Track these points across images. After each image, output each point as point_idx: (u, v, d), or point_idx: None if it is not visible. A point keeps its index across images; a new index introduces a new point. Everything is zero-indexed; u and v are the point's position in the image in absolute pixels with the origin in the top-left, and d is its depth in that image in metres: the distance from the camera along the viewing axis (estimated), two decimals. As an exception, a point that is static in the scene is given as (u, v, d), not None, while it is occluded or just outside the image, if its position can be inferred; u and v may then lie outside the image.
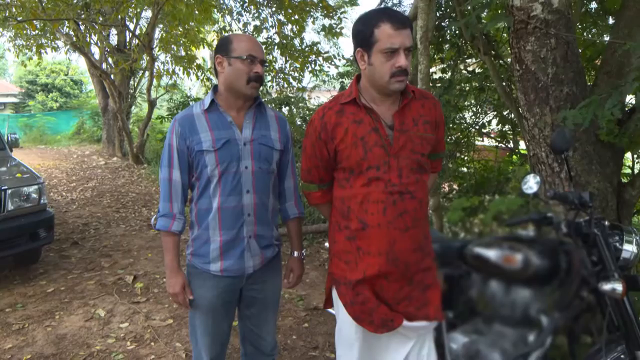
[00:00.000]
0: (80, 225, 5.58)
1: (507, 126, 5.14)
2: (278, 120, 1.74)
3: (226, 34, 1.67)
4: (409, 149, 1.50)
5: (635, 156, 3.19)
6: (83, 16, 8.43)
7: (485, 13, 3.12)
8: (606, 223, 1.65)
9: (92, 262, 4.26)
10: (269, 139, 1.67)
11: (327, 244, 2.55)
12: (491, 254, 1.86)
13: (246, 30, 8.83)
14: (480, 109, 4.70)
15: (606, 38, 3.91)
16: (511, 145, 5.47)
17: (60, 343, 2.80)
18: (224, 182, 1.60)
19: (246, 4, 8.50)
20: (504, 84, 3.45)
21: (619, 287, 1.47)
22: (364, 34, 1.45)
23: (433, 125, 1.57)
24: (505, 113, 4.57)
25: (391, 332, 1.54)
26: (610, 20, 4.07)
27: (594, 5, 4.06)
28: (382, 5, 4.57)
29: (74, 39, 9.01)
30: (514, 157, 5.47)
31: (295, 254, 1.85)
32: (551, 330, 1.64)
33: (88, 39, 9.20)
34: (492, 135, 4.93)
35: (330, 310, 2.71)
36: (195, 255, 1.68)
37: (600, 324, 1.73)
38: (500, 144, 5.53)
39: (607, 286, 1.50)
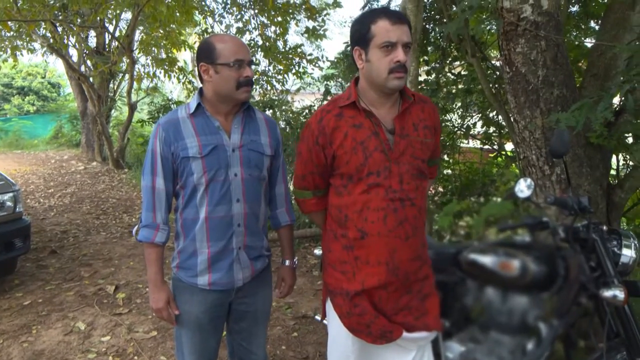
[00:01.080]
0: (59, 233, 5.39)
1: (492, 128, 5.16)
2: (268, 124, 1.66)
3: (206, 38, 1.56)
4: (410, 154, 1.45)
5: (621, 158, 3.21)
6: (60, 17, 8.21)
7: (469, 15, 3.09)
8: (604, 228, 1.63)
9: (71, 272, 4.11)
10: (259, 145, 1.60)
11: (316, 251, 2.49)
12: (487, 260, 1.82)
13: (229, 32, 8.72)
14: (465, 112, 4.70)
15: (590, 40, 3.95)
16: (496, 147, 5.49)
17: None
18: (211, 190, 1.52)
19: (228, 6, 8.41)
20: (490, 85, 3.44)
21: (620, 294, 1.44)
22: (360, 31, 1.40)
23: (432, 130, 1.53)
24: (492, 115, 4.56)
25: (389, 343, 1.49)
26: (592, 24, 4.12)
27: (575, 8, 4.10)
28: (368, 7, 4.54)
29: (51, 40, 8.77)
30: (499, 159, 5.49)
31: (287, 262, 1.78)
32: (552, 339, 1.60)
33: (66, 41, 8.96)
34: (478, 137, 4.94)
35: (318, 318, 2.64)
36: (181, 268, 1.59)
37: (597, 328, 1.71)
38: (485, 146, 5.55)
39: (608, 293, 1.47)
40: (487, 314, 1.84)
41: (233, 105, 1.56)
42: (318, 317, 2.58)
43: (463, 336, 1.89)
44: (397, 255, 1.44)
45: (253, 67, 1.49)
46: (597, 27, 4.22)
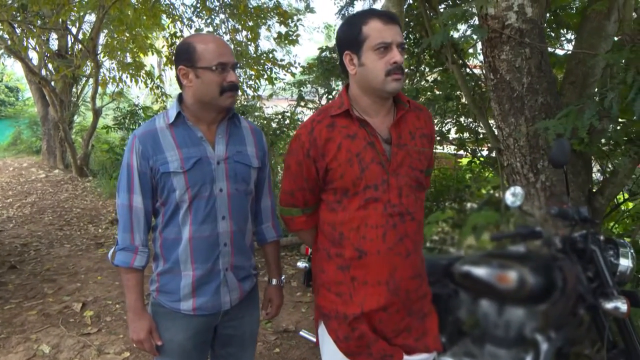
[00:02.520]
0: (19, 246, 5.07)
1: (465, 134, 5.21)
2: (254, 133, 1.55)
3: (186, 38, 1.42)
4: (408, 165, 1.37)
5: (595, 165, 3.27)
6: (19, 18, 7.81)
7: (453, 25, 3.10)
8: (601, 237, 1.61)
9: (33, 288, 3.83)
10: (245, 156, 1.48)
11: (299, 263, 2.38)
12: (482, 272, 1.77)
13: (201, 35, 8.51)
14: (443, 118, 4.73)
15: (560, 47, 4.03)
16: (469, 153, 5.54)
17: (-4, 388, 2.46)
18: (195, 208, 1.39)
19: (198, 10, 8.22)
20: (472, 92, 3.44)
21: (623, 306, 1.41)
22: (350, 34, 1.32)
23: (429, 139, 1.46)
24: (467, 121, 4.59)
25: None
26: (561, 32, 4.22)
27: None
28: (345, 12, 4.49)
29: (9, 42, 8.33)
30: (473, 164, 5.55)
31: (274, 281, 1.67)
32: (552, 352, 1.55)
33: (25, 43, 8.53)
34: (454, 143, 4.97)
35: (303, 334, 2.54)
36: (161, 292, 1.45)
37: (592, 335, 1.69)
38: (459, 152, 5.59)
39: (610, 305, 1.44)
40: (482, 327, 1.79)
41: (217, 112, 1.45)
42: (303, 333, 2.48)
43: (457, 350, 1.84)
44: (398, 274, 1.36)
45: (240, 67, 1.37)
46: (567, 36, 4.34)
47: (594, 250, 1.56)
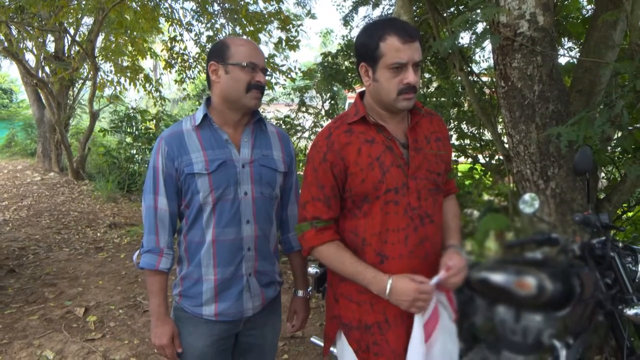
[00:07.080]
0: (17, 249, 5.01)
1: (466, 140, 5.23)
2: (280, 137, 1.55)
3: (222, 38, 1.46)
4: (426, 169, 1.38)
5: (611, 171, 3.30)
6: (16, 20, 7.76)
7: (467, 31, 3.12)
8: (620, 244, 1.62)
9: (34, 293, 3.79)
10: (271, 160, 1.48)
11: (310, 269, 2.37)
12: (500, 278, 1.77)
13: (199, 40, 8.53)
14: (448, 124, 4.76)
15: (561, 55, 4.07)
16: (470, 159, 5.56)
17: (0, 394, 2.41)
18: (219, 210, 1.39)
19: (199, 14, 8.23)
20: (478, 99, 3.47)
21: (645, 313, 1.42)
22: (368, 47, 1.31)
23: (444, 141, 1.48)
24: (472, 129, 4.62)
25: None
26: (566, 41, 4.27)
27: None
28: (350, 17, 4.50)
29: (6, 44, 8.27)
30: (474, 171, 5.57)
31: (300, 293, 1.66)
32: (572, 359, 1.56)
33: (22, 45, 8.47)
34: (459, 149, 4.99)
35: (314, 340, 2.52)
36: (184, 296, 1.44)
37: (607, 340, 1.70)
38: (459, 158, 5.62)
39: (631, 312, 1.46)
40: (499, 333, 1.80)
41: (242, 114, 1.45)
42: (314, 339, 2.47)
43: (473, 356, 1.84)
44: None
45: (269, 75, 1.38)
46: (567, 45, 4.39)
47: (613, 256, 1.57)
